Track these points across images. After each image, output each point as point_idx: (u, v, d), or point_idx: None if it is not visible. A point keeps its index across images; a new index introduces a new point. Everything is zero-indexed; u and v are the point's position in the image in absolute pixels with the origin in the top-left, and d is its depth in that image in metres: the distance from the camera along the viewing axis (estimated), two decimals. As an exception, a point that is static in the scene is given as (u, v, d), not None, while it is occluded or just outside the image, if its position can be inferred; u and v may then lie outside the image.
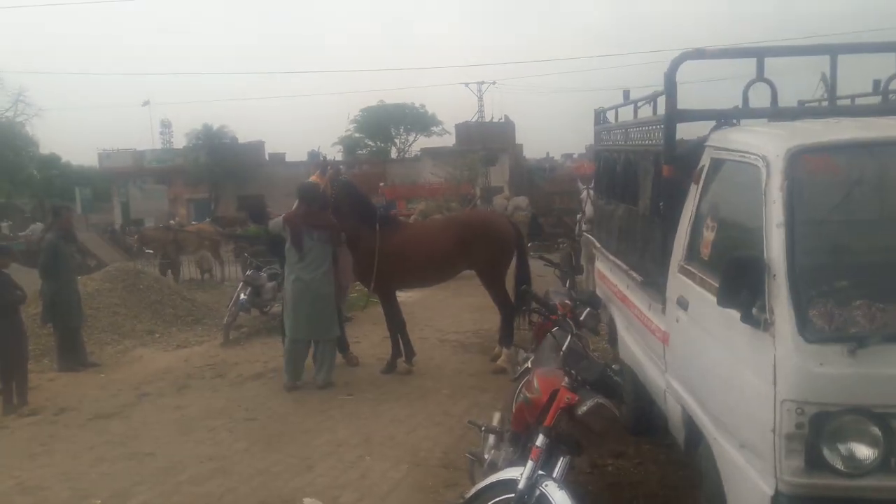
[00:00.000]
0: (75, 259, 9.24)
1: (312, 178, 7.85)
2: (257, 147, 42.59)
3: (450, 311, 11.91)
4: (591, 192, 11.57)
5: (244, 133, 42.44)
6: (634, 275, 4.64)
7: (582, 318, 5.24)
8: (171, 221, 28.08)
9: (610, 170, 5.89)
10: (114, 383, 8.22)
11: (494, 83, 43.44)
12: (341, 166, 8.11)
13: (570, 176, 36.14)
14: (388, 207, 30.91)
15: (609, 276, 5.93)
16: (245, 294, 10.67)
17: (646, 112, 5.17)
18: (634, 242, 4.83)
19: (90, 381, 8.43)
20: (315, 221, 7.29)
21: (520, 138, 41.08)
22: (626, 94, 5.80)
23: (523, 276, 7.95)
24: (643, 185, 4.56)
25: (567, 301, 5.71)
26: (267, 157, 42.96)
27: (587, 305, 5.52)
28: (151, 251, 19.14)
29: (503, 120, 40.30)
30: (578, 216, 12.70)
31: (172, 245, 19.09)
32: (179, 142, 43.46)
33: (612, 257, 5.54)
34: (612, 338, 6.02)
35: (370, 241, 7.63)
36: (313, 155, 43.32)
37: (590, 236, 7.06)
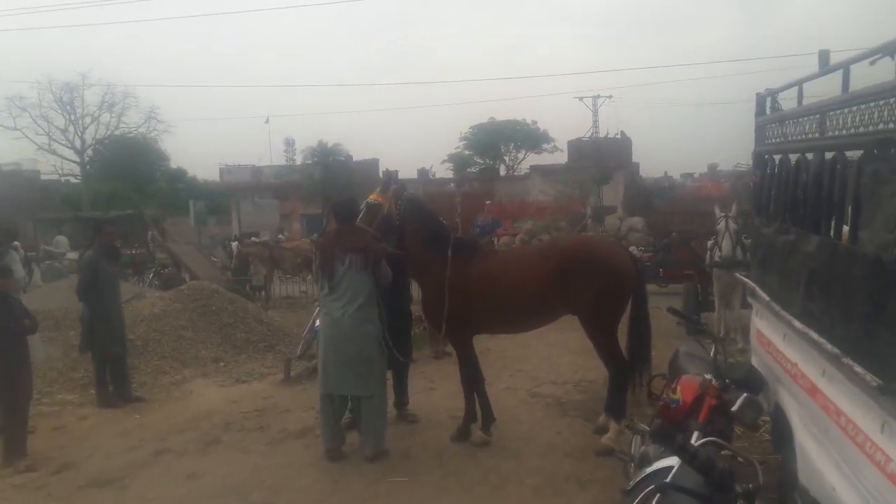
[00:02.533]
0: (117, 279, 7.93)
1: (372, 197, 6.10)
2: (371, 164, 42.05)
3: (547, 351, 9.85)
4: (732, 222, 9.22)
5: (359, 150, 42.02)
6: (856, 368, 2.51)
7: (735, 409, 3.55)
8: (280, 236, 27.53)
9: (788, 181, 3.74)
10: (142, 430, 6.79)
11: (611, 97, 40.80)
12: (396, 183, 6.19)
13: (692, 197, 33.06)
14: (493, 226, 29.33)
15: (782, 347, 3.76)
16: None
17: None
18: (849, 304, 2.70)
19: (120, 423, 7.05)
20: (349, 243, 5.54)
21: (636, 156, 38.23)
22: (824, 56, 3.51)
23: (640, 330, 5.83)
24: (874, 203, 2.45)
25: (711, 379, 3.73)
26: (381, 175, 42.30)
27: (742, 388, 3.66)
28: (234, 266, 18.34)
29: (619, 136, 37.59)
30: (710, 242, 10.31)
31: (269, 261, 18.10)
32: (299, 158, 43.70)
33: (794, 321, 3.37)
34: (779, 438, 3.85)
35: (441, 272, 5.78)
36: (422, 173, 42.48)
37: (746, 279, 4.85)
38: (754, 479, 3.04)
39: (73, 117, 42.71)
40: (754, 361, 4.57)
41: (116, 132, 44.50)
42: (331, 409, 5.67)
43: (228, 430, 6.71)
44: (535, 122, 44.67)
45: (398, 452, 5.84)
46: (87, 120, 43.42)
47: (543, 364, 9.25)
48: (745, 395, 3.64)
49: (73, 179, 45.38)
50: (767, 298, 3.91)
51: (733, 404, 3.64)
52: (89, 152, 43.86)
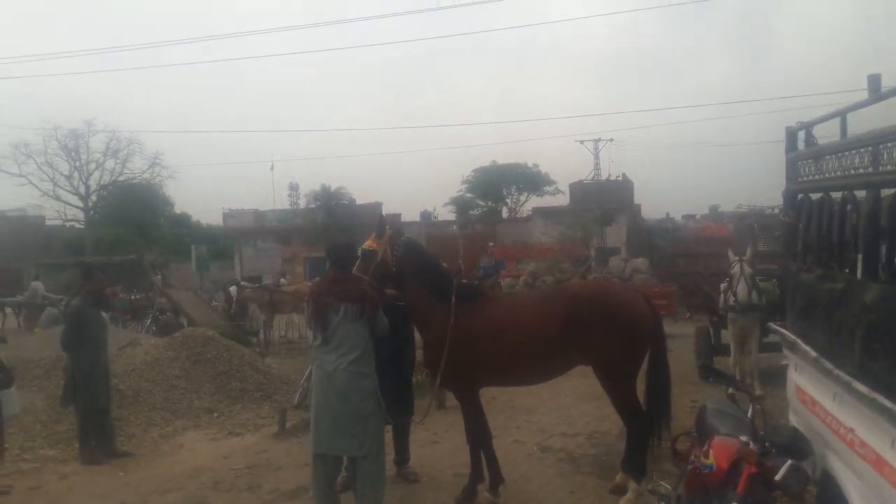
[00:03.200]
0: (105, 329, 7.49)
1: (367, 243, 5.67)
2: (374, 208, 41.87)
3: (556, 400, 9.33)
4: (747, 267, 8.84)
5: (362, 194, 42.01)
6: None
7: (779, 478, 3.16)
8: (282, 279, 27.12)
9: (832, 221, 3.33)
10: (124, 490, 6.28)
11: (612, 140, 40.68)
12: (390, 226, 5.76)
13: (695, 238, 32.72)
14: (496, 268, 28.90)
15: (832, 408, 3.29)
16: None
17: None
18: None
19: (102, 482, 6.53)
20: (344, 292, 5.10)
21: (638, 198, 38.00)
22: (875, 80, 3.07)
23: (659, 380, 5.35)
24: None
25: (750, 443, 3.28)
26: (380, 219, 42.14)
27: (785, 453, 3.26)
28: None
29: (621, 178, 37.44)
30: (723, 285, 9.87)
31: (268, 306, 17.67)
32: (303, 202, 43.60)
33: (852, 382, 2.90)
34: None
35: (444, 320, 5.33)
36: (424, 216, 42.25)
37: (783, 330, 4.39)
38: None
39: (77, 164, 42.89)
40: (793, 420, 4.09)
41: (120, 178, 44.62)
42: (323, 471, 5.15)
43: (216, 489, 6.20)
44: (536, 165, 44.64)
45: (398, 517, 5.32)
46: (92, 166, 43.64)
47: (553, 414, 8.73)
48: (789, 462, 3.19)
49: (77, 225, 45.31)
50: (814, 354, 3.46)
51: (776, 472, 3.19)
52: (93, 198, 43.84)
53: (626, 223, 34.39)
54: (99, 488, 6.34)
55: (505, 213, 43.88)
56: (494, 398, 9.52)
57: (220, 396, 9.80)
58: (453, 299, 5.35)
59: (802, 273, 3.75)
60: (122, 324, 17.82)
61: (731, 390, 3.65)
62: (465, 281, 16.31)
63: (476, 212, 43.95)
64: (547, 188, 45.03)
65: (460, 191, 45.46)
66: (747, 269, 8.83)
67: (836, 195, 3.30)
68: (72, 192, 43.80)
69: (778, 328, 4.58)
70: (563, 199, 40.99)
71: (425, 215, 42.32)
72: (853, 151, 3.00)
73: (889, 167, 2.64)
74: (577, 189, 37.95)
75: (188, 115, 80.00)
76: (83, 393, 7.11)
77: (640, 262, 28.61)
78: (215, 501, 5.89)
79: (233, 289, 20.02)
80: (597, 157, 40.38)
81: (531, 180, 44.68)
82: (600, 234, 30.50)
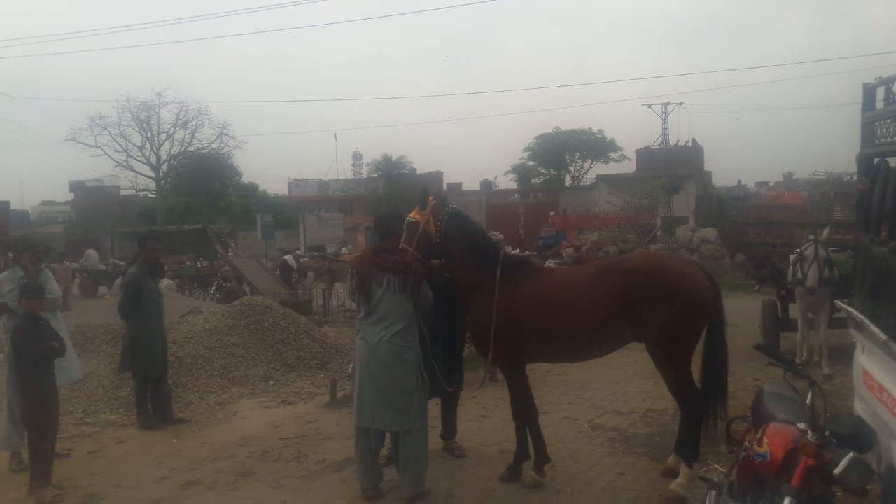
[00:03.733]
0: (161, 297, 7.62)
1: (412, 215, 5.52)
2: (436, 177, 41.90)
3: (611, 376, 9.08)
4: (822, 249, 8.28)
5: (423, 163, 41.97)
6: None
7: (839, 471, 2.89)
8: (343, 249, 27.44)
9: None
10: (177, 456, 6.40)
11: (681, 104, 39.21)
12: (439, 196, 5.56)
13: (768, 206, 31.42)
14: (557, 238, 28.46)
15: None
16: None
17: None
18: None
19: (157, 448, 6.68)
20: (388, 263, 4.99)
21: (708, 164, 36.62)
22: None
23: (717, 360, 5.04)
24: None
25: (808, 432, 3.04)
26: (445, 187, 42.10)
27: (847, 444, 2.96)
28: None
29: (690, 144, 36.10)
30: (792, 257, 9.33)
31: (327, 275, 17.88)
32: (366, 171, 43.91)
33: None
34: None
35: (488, 294, 5.15)
36: (485, 185, 41.92)
37: (851, 309, 4.03)
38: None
39: (149, 135, 44.21)
40: (857, 407, 3.77)
41: (190, 148, 45.83)
42: (367, 445, 5.11)
43: (264, 459, 6.25)
44: (601, 131, 43.57)
45: (440, 493, 5.23)
46: (163, 137, 44.93)
47: (607, 390, 8.49)
48: (851, 454, 2.90)
49: (149, 194, 46.94)
50: (884, 336, 3.12)
51: (836, 465, 2.91)
52: (164, 168, 45.22)
53: (694, 191, 33.27)
54: (152, 454, 6.49)
55: (568, 182, 43.14)
56: (548, 372, 9.34)
57: (276, 364, 9.94)
58: (498, 272, 5.15)
59: (875, 246, 3.39)
60: (187, 291, 18.42)
61: (787, 373, 3.35)
62: (521, 251, 16.07)
63: (538, 180, 43.35)
64: (612, 155, 44.05)
65: (522, 159, 44.95)
66: (822, 253, 8.28)
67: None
68: (144, 163, 45.34)
69: (845, 306, 4.20)
70: (629, 167, 40.06)
71: (486, 184, 42.05)
72: (936, 111, 2.63)
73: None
74: (644, 155, 36.91)
75: (254, 85, 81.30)
76: (140, 360, 7.28)
77: (709, 232, 27.69)
78: (262, 471, 5.93)
79: (288, 257, 20.31)
80: (665, 121, 39.07)
81: (596, 147, 43.69)
82: (667, 202, 29.60)
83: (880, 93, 3.47)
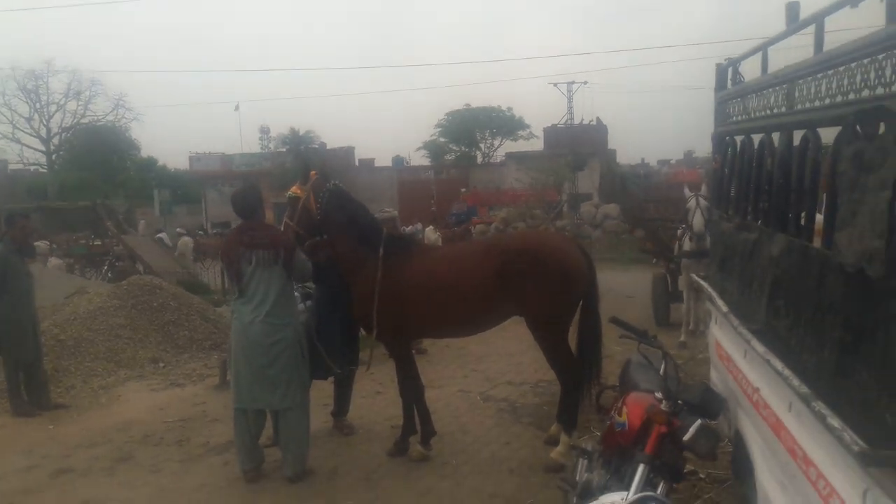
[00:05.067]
0: (31, 277, 7.15)
1: (293, 190, 5.42)
2: (347, 152, 41.15)
3: (507, 348, 9.23)
4: (703, 199, 8.64)
5: (333, 138, 41.16)
6: (831, 421, 1.87)
7: (688, 437, 3.02)
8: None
9: (750, 167, 3.11)
10: (50, 443, 6.07)
11: (585, 83, 40.07)
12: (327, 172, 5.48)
13: (668, 184, 32.63)
14: (468, 214, 28.67)
15: (743, 365, 3.13)
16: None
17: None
18: (822, 328, 2.07)
19: (30, 435, 6.32)
20: (253, 239, 4.87)
21: (613, 143, 37.67)
22: (793, 8, 2.76)
23: (590, 333, 5.20)
24: (856, 198, 1.81)
25: (662, 400, 3.15)
26: (357, 163, 41.50)
27: (697, 413, 3.10)
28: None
29: (594, 123, 37.00)
30: (679, 230, 9.73)
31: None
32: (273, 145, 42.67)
33: (753, 340, 2.73)
34: (739, 471, 3.26)
35: (371, 272, 5.10)
36: (397, 161, 41.65)
37: (703, 282, 4.23)
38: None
39: (37, 105, 41.49)
40: (713, 375, 3.97)
41: (83, 121, 43.29)
42: (246, 426, 5.00)
43: (145, 443, 6.03)
44: (510, 109, 44.00)
45: (324, 472, 5.19)
46: (53, 108, 42.22)
47: (502, 362, 8.65)
48: (699, 421, 3.04)
49: (40, 169, 44.08)
50: (725, 308, 3.29)
51: (685, 432, 3.05)
52: (55, 141, 42.57)
53: (598, 168, 34.15)
54: (24, 441, 6.14)
55: (479, 159, 43.41)
56: (447, 346, 9.42)
57: (166, 346, 9.58)
58: (381, 251, 5.11)
59: (723, 222, 3.55)
60: (78, 271, 17.47)
61: (640, 345, 3.48)
62: (410, 230, 16.10)
63: (450, 157, 43.43)
64: (521, 132, 44.54)
65: (433, 135, 44.86)
66: (703, 203, 8.66)
67: (758, 138, 3.06)
68: (33, 135, 42.51)
69: (698, 279, 4.41)
70: (537, 144, 40.59)
71: (398, 160, 41.72)
72: (770, 90, 2.76)
73: (801, 105, 2.40)
74: (551, 133, 37.48)
75: (151, 55, 77.29)
76: (9, 344, 6.85)
77: (612, 208, 28.55)
78: (141, 455, 5.71)
79: (162, 235, 19.50)
80: (570, 100, 39.80)
81: (505, 124, 44.09)
82: (572, 179, 30.25)
83: (731, 73, 3.63)
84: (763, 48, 3.06)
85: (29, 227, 7.50)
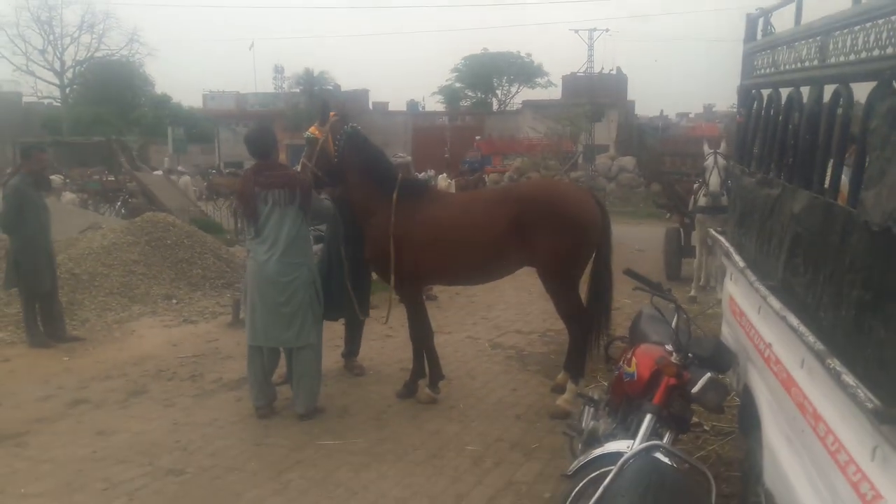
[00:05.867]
0: (46, 210, 7.19)
1: (311, 131, 5.38)
2: (361, 95, 40.72)
3: (517, 297, 9.30)
4: (721, 158, 8.52)
5: (348, 79, 40.69)
6: (846, 378, 1.86)
7: (696, 391, 3.03)
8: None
9: (776, 122, 3.04)
10: (66, 375, 6.21)
11: (607, 31, 39.26)
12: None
13: (686, 137, 32.15)
14: (482, 163, 28.44)
15: (756, 321, 3.13)
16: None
17: None
18: (842, 286, 2.05)
19: (45, 366, 6.45)
20: (269, 179, 4.87)
21: (632, 94, 37.03)
22: None
23: (601, 285, 5.19)
24: (887, 155, 1.77)
25: (672, 353, 3.18)
26: (371, 106, 41.09)
27: (707, 366, 3.10)
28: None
29: (615, 72, 36.30)
30: (695, 185, 9.64)
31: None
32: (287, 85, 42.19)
33: (769, 297, 2.71)
34: (746, 425, 3.29)
35: (385, 217, 5.10)
36: (411, 106, 41.19)
37: (721, 237, 4.19)
38: (706, 495, 2.49)
39: (51, 37, 41.15)
40: (725, 331, 3.97)
41: (97, 54, 42.90)
42: (260, 363, 5.09)
43: (158, 378, 6.15)
44: (529, 56, 43.18)
45: (335, 410, 5.29)
46: (67, 41, 41.88)
47: (511, 311, 8.72)
48: (708, 374, 3.06)
49: (54, 102, 43.92)
50: (742, 264, 3.27)
51: (694, 385, 3.07)
52: (69, 74, 42.29)
53: (616, 119, 33.71)
54: (40, 372, 6.28)
55: (495, 106, 42.84)
56: (458, 294, 9.49)
57: (179, 283, 9.68)
58: (395, 195, 5.09)
59: (745, 177, 3.50)
60: (92, 207, 17.55)
61: (654, 297, 3.47)
62: (422, 176, 16.00)
63: (465, 103, 42.88)
64: (539, 80, 43.81)
65: (449, 80, 44.20)
66: (721, 161, 8.55)
67: (786, 92, 2.99)
68: (46, 68, 42.25)
69: (715, 234, 4.37)
70: (555, 93, 39.99)
71: (412, 105, 41.31)
72: (802, 42, 2.67)
73: (834, 59, 2.33)
74: (570, 82, 36.90)
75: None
76: (25, 276, 6.93)
77: (628, 161, 28.25)
78: (154, 389, 5.83)
79: (158, 173, 19.47)
80: (591, 48, 38.99)
81: (523, 71, 43.33)
82: (589, 130, 29.89)
83: (762, 24, 3.51)
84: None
85: (45, 160, 7.52)
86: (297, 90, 37.86)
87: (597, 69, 38.13)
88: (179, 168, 21.73)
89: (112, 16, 42.26)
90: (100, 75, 42.50)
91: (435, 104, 43.81)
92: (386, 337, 7.40)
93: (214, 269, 10.28)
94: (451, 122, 38.48)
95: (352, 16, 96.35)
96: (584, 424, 3.83)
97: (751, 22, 3.63)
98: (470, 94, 43.81)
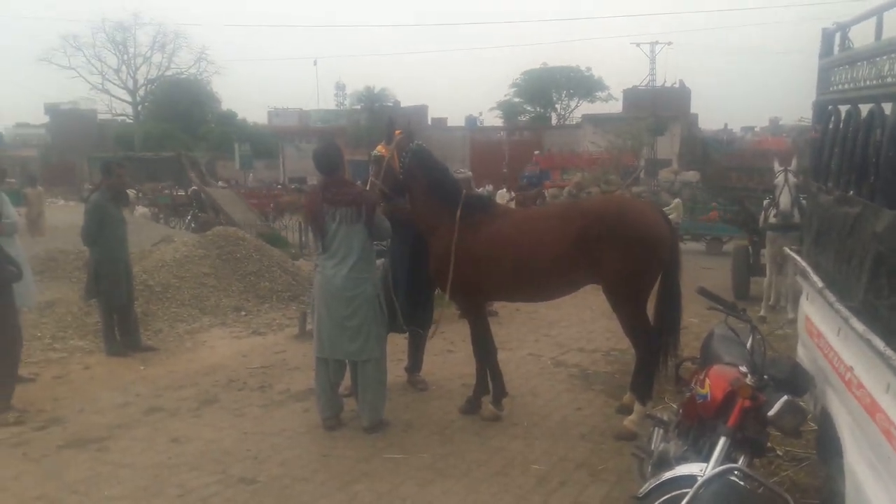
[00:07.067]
0: (125, 224, 7.54)
1: (378, 149, 5.52)
2: (420, 111, 41.21)
3: (580, 315, 9.24)
4: (792, 176, 8.32)
5: (408, 96, 41.37)
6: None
7: (773, 414, 2.97)
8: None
9: (856, 139, 2.99)
10: (142, 383, 6.49)
11: (670, 43, 38.68)
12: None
13: (752, 151, 31.33)
14: (540, 177, 28.36)
15: (836, 343, 3.06)
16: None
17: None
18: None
19: (123, 374, 6.76)
20: (337, 196, 5.01)
21: (695, 107, 36.37)
22: None
23: (670, 303, 5.13)
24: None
25: (747, 374, 3.13)
26: (430, 122, 41.55)
27: (783, 389, 3.03)
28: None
29: (677, 85, 35.76)
30: (766, 202, 9.42)
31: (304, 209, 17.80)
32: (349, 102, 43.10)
33: (851, 318, 2.66)
34: (826, 451, 3.21)
35: (448, 233, 5.18)
36: (470, 121, 41.44)
37: (796, 256, 4.11)
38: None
39: (125, 57, 43.20)
40: (800, 352, 3.88)
41: (167, 73, 44.77)
42: (326, 375, 5.22)
43: (229, 388, 6.35)
44: (589, 69, 42.97)
45: (399, 424, 5.37)
46: (139, 60, 43.90)
47: (574, 329, 8.67)
48: (785, 397, 3.00)
49: (126, 119, 46.00)
50: (821, 284, 3.20)
51: (771, 408, 3.01)
52: (141, 92, 44.25)
53: (679, 133, 33.11)
54: (118, 380, 6.57)
55: (554, 120, 42.72)
56: (518, 310, 9.49)
57: (248, 295, 9.99)
58: (458, 212, 5.17)
59: (821, 194, 3.43)
60: (163, 220, 18.30)
61: (728, 317, 3.43)
62: (481, 191, 16.04)
63: (524, 117, 42.89)
64: (599, 94, 43.51)
65: (508, 95, 44.34)
66: (792, 179, 8.34)
67: (866, 108, 2.93)
68: (120, 87, 44.35)
69: (791, 253, 4.28)
70: (615, 107, 39.62)
71: (470, 120, 41.54)
72: (884, 57, 2.62)
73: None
74: (631, 96, 36.51)
75: (233, 9, 78.65)
76: (104, 287, 7.27)
77: (691, 176, 27.66)
78: (226, 399, 6.03)
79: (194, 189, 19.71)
80: (653, 61, 38.52)
81: (583, 85, 43.12)
82: (651, 144, 29.46)
83: (839, 39, 3.45)
84: (878, 12, 2.90)
85: (125, 176, 7.89)
86: (358, 107, 38.61)
87: (659, 82, 37.63)
88: (278, 184, 22.34)
89: (182, 35, 44.05)
90: (169, 93, 44.36)
91: (493, 119, 44.02)
92: (447, 352, 7.48)
93: (281, 282, 10.56)
94: (509, 137, 38.57)
95: (411, 34, 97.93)
96: (653, 446, 3.79)
97: (827, 37, 3.57)
98: (529, 108, 43.85)
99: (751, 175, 24.97)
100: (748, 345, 3.31)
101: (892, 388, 2.24)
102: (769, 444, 3.77)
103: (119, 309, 7.41)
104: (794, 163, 8.81)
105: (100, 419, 5.54)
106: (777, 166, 8.83)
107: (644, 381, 5.17)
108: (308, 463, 4.70)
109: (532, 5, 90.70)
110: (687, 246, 12.27)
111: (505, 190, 19.28)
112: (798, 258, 3.89)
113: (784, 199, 8.28)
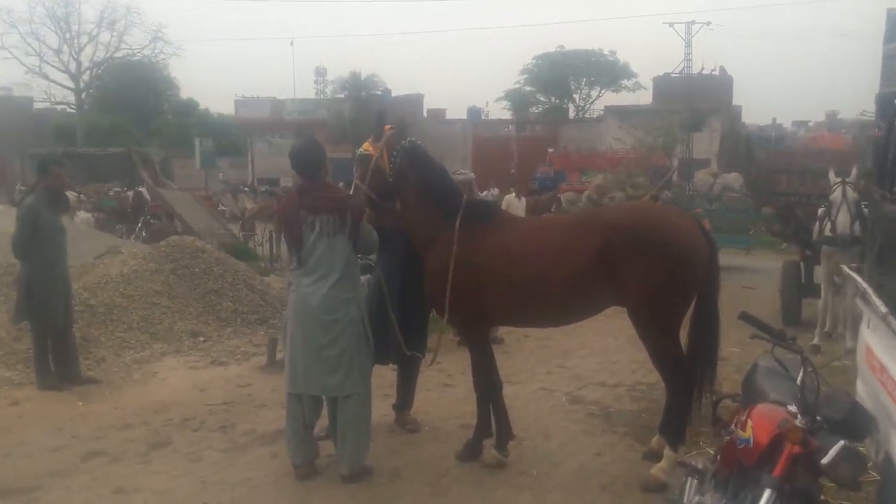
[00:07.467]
0: (62, 233, 7.52)
1: (364, 147, 5.53)
2: (414, 101, 41.50)
3: (600, 343, 9.26)
4: (851, 190, 8.37)
5: (400, 84, 41.64)
6: None
7: (827, 461, 3.00)
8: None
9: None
10: (81, 422, 6.48)
11: (708, 24, 38.96)
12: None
13: (804, 150, 31.56)
14: (555, 180, 28.48)
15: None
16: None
17: None
18: None
19: (58, 412, 6.74)
20: (317, 202, 5.02)
21: (738, 98, 36.64)
22: None
23: (705, 331, 5.13)
24: None
25: (797, 415, 3.17)
26: (425, 114, 41.81)
27: (839, 432, 3.07)
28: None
29: (717, 73, 36.02)
30: (820, 210, 9.47)
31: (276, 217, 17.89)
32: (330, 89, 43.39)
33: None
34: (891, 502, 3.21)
35: (447, 245, 5.19)
36: (472, 113, 41.70)
37: (855, 275, 4.11)
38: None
39: (67, 36, 43.37)
40: (859, 387, 3.89)
41: (117, 55, 45.00)
42: (300, 414, 5.20)
43: (184, 428, 6.34)
44: (613, 53, 43.35)
45: (385, 472, 5.35)
46: (84, 39, 44.03)
47: (593, 359, 8.69)
48: (841, 442, 3.00)
49: (68, 108, 46.17)
50: (884, 309, 3.21)
51: (824, 455, 3.01)
52: (86, 77, 44.42)
53: (719, 129, 33.36)
54: (52, 418, 6.55)
55: (571, 113, 42.97)
56: (527, 336, 9.51)
57: (207, 318, 10.01)
58: (457, 221, 5.18)
59: (886, 203, 3.44)
60: (108, 227, 18.30)
61: (775, 347, 3.43)
62: (485, 196, 16.10)
63: (536, 109, 43.16)
64: (625, 82, 43.90)
65: (518, 83, 44.66)
66: (851, 195, 8.38)
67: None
68: (61, 70, 44.49)
69: (849, 272, 4.29)
70: (644, 97, 39.93)
71: (473, 112, 41.81)
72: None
73: None
74: (663, 84, 36.79)
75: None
76: (38, 308, 7.25)
77: (733, 178, 27.75)
78: (179, 441, 6.01)
79: (142, 189, 19.84)
80: (689, 44, 38.81)
81: (606, 72, 43.48)
82: (686, 141, 29.59)
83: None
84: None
85: (65, 176, 7.90)
86: (342, 96, 38.82)
87: (695, 69, 37.89)
88: (243, 186, 22.44)
89: (134, 11, 44.33)
90: (119, 78, 44.54)
91: (500, 111, 44.28)
92: (444, 386, 7.49)
93: (247, 303, 10.58)
94: (518, 132, 38.82)
95: (403, 11, 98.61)
96: (686, 499, 3.82)
97: (892, 18, 3.57)
98: (542, 98, 44.18)
99: (803, 178, 25.10)
100: (798, 380, 3.31)
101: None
102: (822, 498, 3.77)
103: (55, 333, 7.40)
104: (853, 173, 8.86)
105: (29, 466, 5.51)
106: (833, 177, 8.89)
107: (676, 422, 5.16)
108: (275, 520, 4.69)
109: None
110: (727, 260, 12.27)
111: (513, 195, 19.22)
112: (858, 278, 3.90)
113: (842, 219, 8.35)
